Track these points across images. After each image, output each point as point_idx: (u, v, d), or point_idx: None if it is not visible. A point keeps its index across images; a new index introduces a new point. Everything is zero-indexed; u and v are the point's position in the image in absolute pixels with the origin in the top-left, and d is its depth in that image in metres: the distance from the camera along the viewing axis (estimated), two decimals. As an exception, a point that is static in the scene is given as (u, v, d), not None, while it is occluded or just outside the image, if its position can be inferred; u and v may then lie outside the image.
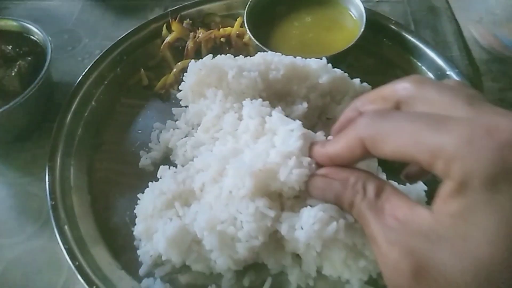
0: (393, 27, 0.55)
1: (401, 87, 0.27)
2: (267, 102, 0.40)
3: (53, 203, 0.39)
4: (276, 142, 0.36)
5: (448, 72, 0.49)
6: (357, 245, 0.34)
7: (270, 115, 0.38)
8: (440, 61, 0.50)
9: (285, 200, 0.36)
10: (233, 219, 0.34)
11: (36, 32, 0.47)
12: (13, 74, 0.43)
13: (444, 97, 0.25)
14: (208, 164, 0.38)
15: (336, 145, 0.29)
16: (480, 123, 0.21)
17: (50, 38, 0.47)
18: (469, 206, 0.21)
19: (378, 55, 0.55)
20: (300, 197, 0.35)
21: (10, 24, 0.48)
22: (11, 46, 0.45)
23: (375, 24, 0.55)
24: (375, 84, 0.48)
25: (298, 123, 0.36)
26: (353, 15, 0.54)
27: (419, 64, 0.52)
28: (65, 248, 0.36)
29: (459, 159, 0.21)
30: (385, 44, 0.55)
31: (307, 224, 0.33)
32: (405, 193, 0.26)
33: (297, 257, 0.37)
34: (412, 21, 0.61)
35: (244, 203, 0.34)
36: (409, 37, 0.53)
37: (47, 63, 0.44)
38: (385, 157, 0.25)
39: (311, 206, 0.34)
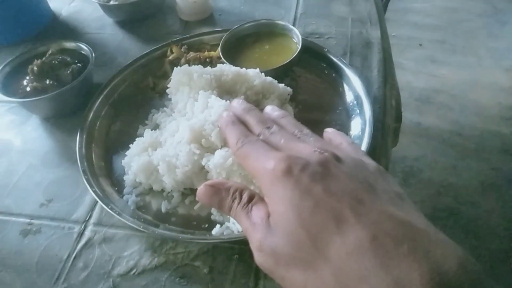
0: (326, 53, 0.76)
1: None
2: (215, 92, 0.63)
3: (80, 146, 0.64)
4: (212, 113, 0.59)
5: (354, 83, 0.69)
6: (248, 175, 0.54)
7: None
8: (354, 76, 0.70)
9: (211, 150, 0.58)
10: (176, 155, 0.56)
11: (85, 49, 0.75)
12: (68, 72, 0.70)
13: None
14: (171, 127, 0.61)
15: (225, 126, 0.45)
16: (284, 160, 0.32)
17: (94, 54, 0.74)
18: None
19: (314, 73, 0.76)
20: (222, 148, 0.57)
21: (70, 44, 0.76)
22: (69, 57, 0.73)
23: (315, 51, 0.77)
24: (303, 88, 0.70)
25: (226, 102, 0.58)
26: (296, 42, 0.76)
27: (338, 77, 0.73)
28: (81, 169, 0.60)
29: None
30: (320, 66, 0.76)
31: (216, 159, 0.54)
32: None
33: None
34: (349, 52, 0.81)
35: (184, 146, 0.56)
36: (335, 60, 0.74)
37: (89, 65, 0.71)
38: None
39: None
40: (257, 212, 0.33)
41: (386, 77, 0.75)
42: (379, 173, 0.34)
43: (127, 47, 0.90)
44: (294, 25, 0.89)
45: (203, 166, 0.56)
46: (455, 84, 2.40)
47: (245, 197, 0.35)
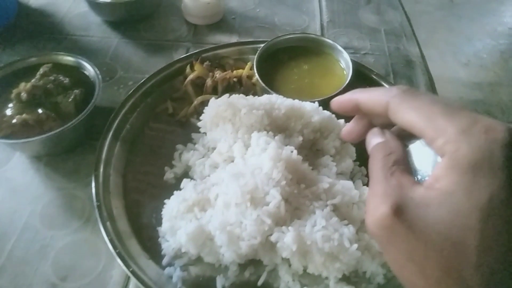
0: (374, 77, 0.67)
1: (391, 94, 0.31)
2: (271, 134, 0.52)
3: (98, 203, 0.49)
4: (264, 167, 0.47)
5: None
6: (334, 252, 0.44)
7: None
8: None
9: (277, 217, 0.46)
10: (239, 222, 0.45)
11: (88, 68, 0.58)
12: (69, 100, 0.54)
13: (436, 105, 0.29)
14: (222, 179, 0.49)
15: (366, 95, 0.34)
16: (481, 120, 0.27)
17: (101, 77, 0.58)
18: (456, 183, 0.26)
19: (361, 99, 0.67)
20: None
21: (68, 59, 0.59)
22: (68, 78, 0.57)
23: (361, 73, 0.67)
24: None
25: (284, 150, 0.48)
26: (342, 66, 0.66)
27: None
28: (108, 239, 0.46)
29: (456, 142, 0.26)
30: (367, 91, 0.67)
31: (289, 238, 0.44)
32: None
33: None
34: (392, 72, 0.73)
35: (249, 211, 0.45)
36: (386, 86, 0.65)
37: (96, 94, 0.55)
38: (398, 123, 0.31)
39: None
40: (400, 177, 0.30)
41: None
42: None
43: (126, 56, 0.73)
44: (322, 35, 0.79)
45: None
46: (422, 78, 2.44)
47: (393, 156, 0.31)
